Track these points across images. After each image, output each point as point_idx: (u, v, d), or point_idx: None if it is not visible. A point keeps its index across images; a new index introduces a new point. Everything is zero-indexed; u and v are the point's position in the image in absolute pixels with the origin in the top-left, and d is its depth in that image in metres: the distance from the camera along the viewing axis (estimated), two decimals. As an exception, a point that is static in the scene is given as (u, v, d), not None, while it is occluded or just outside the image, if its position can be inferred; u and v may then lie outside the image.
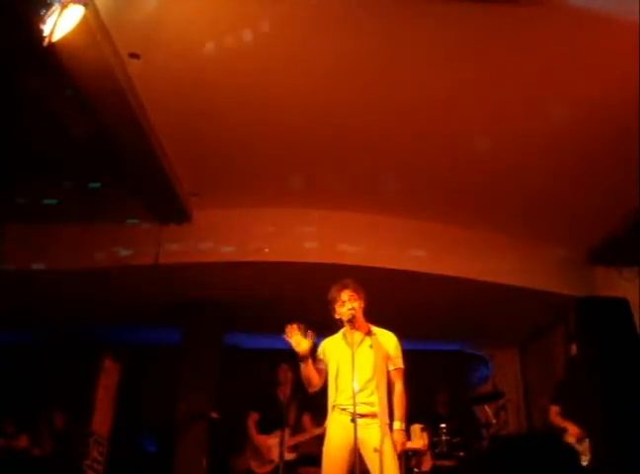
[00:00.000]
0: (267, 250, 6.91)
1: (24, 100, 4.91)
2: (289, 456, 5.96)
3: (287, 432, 6.14)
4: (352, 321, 4.15)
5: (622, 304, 6.28)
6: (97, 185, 6.21)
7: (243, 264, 7.01)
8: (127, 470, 7.77)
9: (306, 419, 6.29)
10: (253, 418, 6.68)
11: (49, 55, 4.10)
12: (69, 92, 4.74)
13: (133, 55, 4.64)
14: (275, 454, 6.33)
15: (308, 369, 4.17)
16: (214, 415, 7.08)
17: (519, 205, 6.77)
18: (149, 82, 4.96)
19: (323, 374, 4.26)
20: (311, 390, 4.25)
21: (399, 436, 4.02)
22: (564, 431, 5.94)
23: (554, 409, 6.14)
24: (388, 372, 4.20)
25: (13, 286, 7.40)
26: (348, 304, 4.20)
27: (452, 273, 7.16)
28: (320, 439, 4.25)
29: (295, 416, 6.33)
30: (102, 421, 7.40)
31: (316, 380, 4.22)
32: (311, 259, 6.96)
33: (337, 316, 4.26)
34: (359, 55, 4.77)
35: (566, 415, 5.98)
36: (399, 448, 4.01)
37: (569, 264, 7.57)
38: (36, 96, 4.84)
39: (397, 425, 4.05)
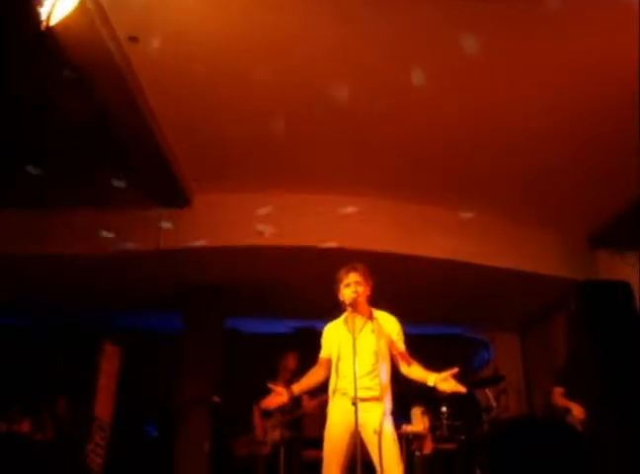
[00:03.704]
0: (267, 234, 6.90)
1: (22, 84, 4.89)
2: (286, 435, 6.00)
3: (284, 414, 6.20)
4: (353, 305, 4.15)
5: (624, 288, 6.27)
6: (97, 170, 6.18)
7: (244, 248, 7.01)
8: (129, 455, 7.82)
9: (305, 398, 6.32)
10: (258, 409, 6.71)
11: (47, 39, 4.07)
12: (68, 76, 4.71)
13: (132, 39, 4.61)
14: (272, 436, 6.38)
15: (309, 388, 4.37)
16: (216, 399, 7.11)
17: (520, 188, 6.76)
18: (148, 66, 4.93)
19: (324, 366, 4.28)
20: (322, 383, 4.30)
21: (447, 382, 4.06)
22: (567, 411, 5.91)
23: (558, 390, 6.07)
24: (393, 356, 4.20)
25: (14, 271, 7.43)
26: (352, 287, 4.18)
27: (453, 256, 7.16)
28: (320, 419, 4.28)
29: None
30: (104, 406, 7.44)
31: (318, 383, 4.32)
32: (311, 242, 6.95)
33: (340, 297, 4.25)
34: (360, 38, 4.74)
35: (570, 396, 5.93)
36: (459, 388, 4.07)
37: (571, 247, 7.57)
38: (34, 80, 4.81)
39: (432, 378, 4.09)
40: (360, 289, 4.20)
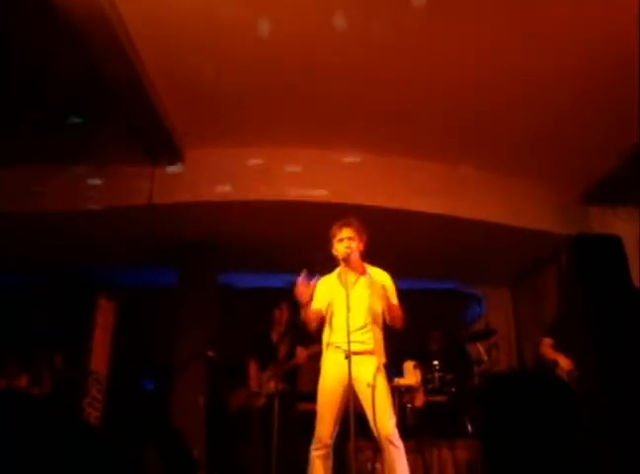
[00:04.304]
0: (261, 188, 6.89)
1: (10, 38, 4.81)
2: (280, 387, 6.07)
3: (278, 366, 6.27)
4: (346, 260, 4.16)
5: (615, 241, 6.27)
6: (87, 123, 6.11)
7: (237, 203, 7.00)
8: (126, 408, 7.91)
9: (299, 350, 6.40)
10: (253, 365, 6.78)
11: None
12: (57, 28, 4.63)
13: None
14: (266, 387, 6.47)
15: (308, 313, 4.24)
16: (211, 353, 7.18)
17: (513, 144, 6.74)
18: (139, 17, 4.85)
19: (320, 315, 4.31)
20: (310, 329, 4.31)
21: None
22: (555, 364, 5.96)
23: (547, 341, 6.09)
24: (384, 310, 4.23)
25: (8, 228, 7.40)
26: (345, 242, 4.21)
27: (445, 211, 7.17)
28: (313, 373, 4.33)
29: (287, 351, 6.45)
30: (100, 360, 7.50)
31: (315, 322, 4.28)
32: (305, 197, 6.94)
33: (334, 252, 4.27)
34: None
35: (558, 348, 5.97)
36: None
37: (563, 203, 7.59)
38: (22, 33, 4.73)
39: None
40: (354, 245, 4.22)
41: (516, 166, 7.17)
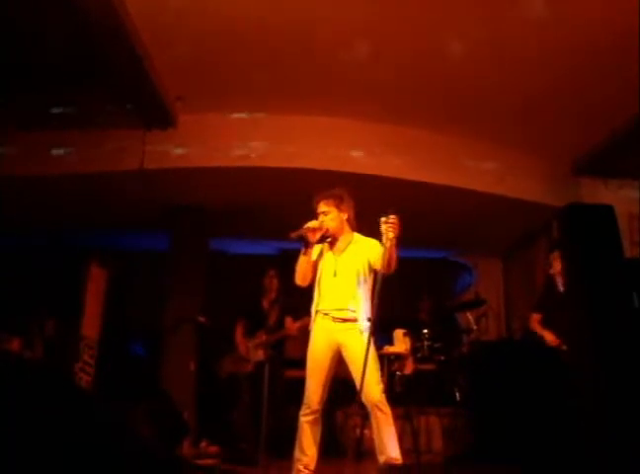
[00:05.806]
0: (252, 155, 6.86)
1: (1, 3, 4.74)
2: (269, 354, 6.12)
3: (267, 333, 6.30)
4: (325, 234, 4.21)
5: (608, 211, 6.27)
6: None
7: (229, 169, 6.98)
8: (117, 373, 7.96)
9: (288, 320, 6.44)
10: (240, 325, 6.82)
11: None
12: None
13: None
14: (254, 354, 6.52)
15: (306, 261, 4.21)
16: (202, 319, 7.22)
17: (505, 114, 6.71)
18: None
19: (315, 271, 4.30)
20: (300, 282, 4.27)
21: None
22: (541, 338, 5.98)
23: (535, 316, 6.10)
24: (375, 273, 4.21)
25: (-3, 193, 7.37)
26: (320, 217, 4.26)
27: (437, 181, 7.17)
28: (301, 340, 4.37)
29: (276, 319, 6.48)
30: (91, 325, 7.52)
31: (309, 275, 4.25)
32: (297, 164, 6.93)
33: None
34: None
35: (546, 324, 6.00)
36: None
37: (555, 175, 7.60)
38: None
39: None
40: (327, 218, 4.23)
41: (508, 137, 7.15)
